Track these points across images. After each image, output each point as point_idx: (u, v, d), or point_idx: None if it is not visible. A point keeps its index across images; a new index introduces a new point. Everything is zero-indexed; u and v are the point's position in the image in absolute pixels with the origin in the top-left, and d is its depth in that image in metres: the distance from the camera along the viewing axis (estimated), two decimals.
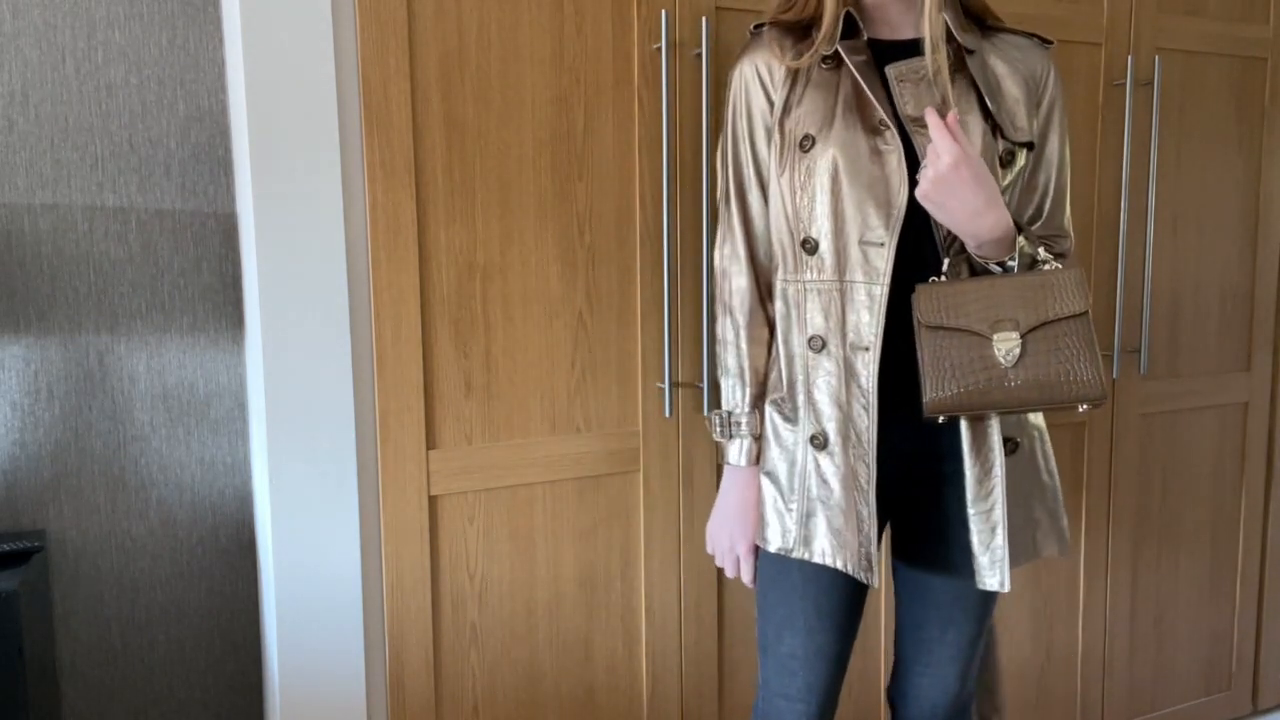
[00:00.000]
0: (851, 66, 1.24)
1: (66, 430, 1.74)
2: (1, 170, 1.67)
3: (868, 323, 1.23)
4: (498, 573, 1.59)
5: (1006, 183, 1.26)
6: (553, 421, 1.59)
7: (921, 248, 1.26)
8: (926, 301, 1.20)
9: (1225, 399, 2.19)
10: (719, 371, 1.40)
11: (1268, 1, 2.13)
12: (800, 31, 1.31)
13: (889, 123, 1.22)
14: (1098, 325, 2.01)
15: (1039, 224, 1.33)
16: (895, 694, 1.46)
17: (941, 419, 1.22)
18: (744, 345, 1.36)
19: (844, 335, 1.26)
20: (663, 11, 1.57)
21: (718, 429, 1.39)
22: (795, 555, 1.31)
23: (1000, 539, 1.24)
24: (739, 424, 1.36)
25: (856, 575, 1.27)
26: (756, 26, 1.36)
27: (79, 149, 1.71)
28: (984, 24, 1.33)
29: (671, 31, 1.58)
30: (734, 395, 1.38)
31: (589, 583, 1.65)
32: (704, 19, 1.58)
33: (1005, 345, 1.16)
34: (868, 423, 1.24)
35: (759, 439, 1.36)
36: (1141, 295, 2.04)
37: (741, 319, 1.36)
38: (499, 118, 1.51)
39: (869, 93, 1.23)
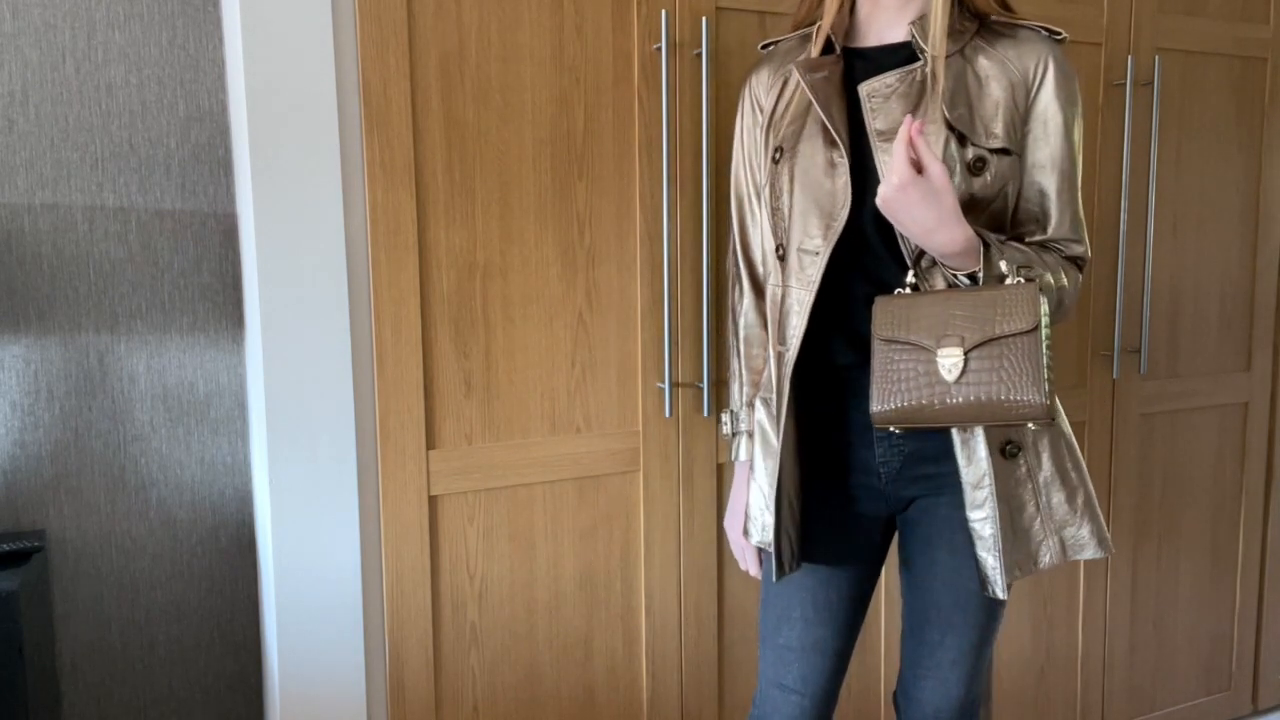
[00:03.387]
0: (805, 86, 1.26)
1: (66, 430, 1.74)
2: (1, 170, 1.67)
3: (794, 325, 1.28)
4: (498, 573, 1.59)
5: (989, 191, 1.24)
6: (553, 421, 1.59)
7: (877, 261, 1.26)
8: (882, 314, 1.20)
9: (1225, 399, 2.19)
10: (727, 372, 1.44)
11: (1268, 1, 2.13)
12: (801, 45, 1.36)
13: (838, 140, 1.23)
14: (1098, 325, 2.01)
15: (1049, 229, 1.29)
16: (900, 696, 1.46)
17: (894, 429, 1.22)
18: (742, 348, 1.43)
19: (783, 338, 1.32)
20: (663, 11, 1.57)
21: (727, 426, 1.46)
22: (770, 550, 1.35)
23: (992, 547, 1.24)
24: (740, 421, 1.43)
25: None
26: (764, 45, 1.43)
27: (79, 149, 1.71)
28: (985, 19, 1.29)
29: (671, 31, 1.58)
30: (736, 395, 1.44)
31: (589, 583, 1.65)
32: (704, 19, 1.58)
33: (948, 361, 1.15)
34: (776, 422, 1.31)
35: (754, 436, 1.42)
36: (1141, 295, 2.04)
37: (740, 323, 1.43)
38: (499, 118, 1.51)
39: (820, 111, 1.24)
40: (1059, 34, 1.29)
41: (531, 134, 1.53)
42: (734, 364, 1.44)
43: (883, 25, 1.30)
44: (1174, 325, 2.11)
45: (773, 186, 1.32)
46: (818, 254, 1.25)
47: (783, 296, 1.31)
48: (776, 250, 1.32)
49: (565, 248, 1.57)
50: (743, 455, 1.42)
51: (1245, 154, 2.15)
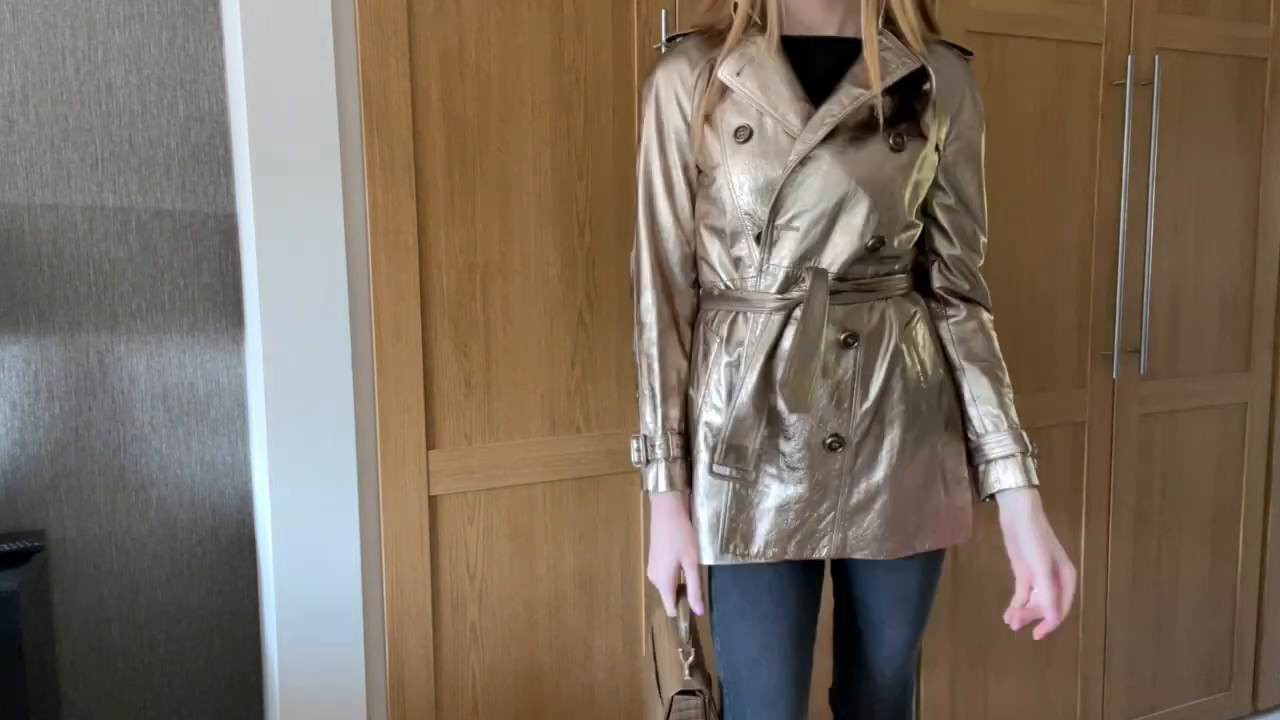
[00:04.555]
0: (772, 60, 1.23)
1: (66, 430, 1.74)
2: (1, 170, 1.67)
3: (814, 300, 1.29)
4: (498, 573, 1.59)
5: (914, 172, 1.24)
6: (553, 421, 1.59)
7: None
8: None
9: (1225, 399, 2.19)
10: (636, 392, 1.40)
11: (1268, 1, 2.13)
12: (704, 43, 1.28)
13: (805, 100, 1.21)
14: (1098, 325, 2.01)
15: (954, 254, 1.31)
16: (834, 697, 1.46)
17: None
18: (658, 366, 1.35)
19: None
20: (663, 11, 1.57)
21: (639, 455, 1.35)
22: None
23: None
24: (656, 448, 1.34)
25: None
26: (671, 38, 1.34)
27: (79, 149, 1.71)
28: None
29: (671, 31, 1.58)
30: (650, 419, 1.35)
31: (589, 583, 1.65)
32: None
33: None
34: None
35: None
36: (1141, 295, 2.04)
37: (653, 337, 1.35)
38: (499, 118, 1.51)
39: (790, 78, 1.22)
40: (969, 53, 1.32)
41: (531, 134, 1.53)
42: (648, 383, 1.30)
43: (815, 22, 1.25)
44: (1174, 325, 2.11)
45: (734, 169, 1.23)
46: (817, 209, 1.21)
47: (784, 278, 1.23)
48: (757, 239, 1.23)
49: (565, 248, 1.57)
50: (677, 485, 1.28)
51: (1245, 154, 2.15)
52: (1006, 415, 1.28)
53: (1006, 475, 1.26)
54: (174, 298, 1.79)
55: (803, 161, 1.19)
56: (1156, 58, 1.97)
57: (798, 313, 1.22)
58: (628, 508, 1.66)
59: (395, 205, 1.45)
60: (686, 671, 1.29)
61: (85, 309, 1.74)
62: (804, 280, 1.22)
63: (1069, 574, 1.22)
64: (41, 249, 1.70)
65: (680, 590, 1.32)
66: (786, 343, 1.22)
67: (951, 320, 1.33)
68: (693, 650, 1.32)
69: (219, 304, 1.81)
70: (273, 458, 1.42)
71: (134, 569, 1.80)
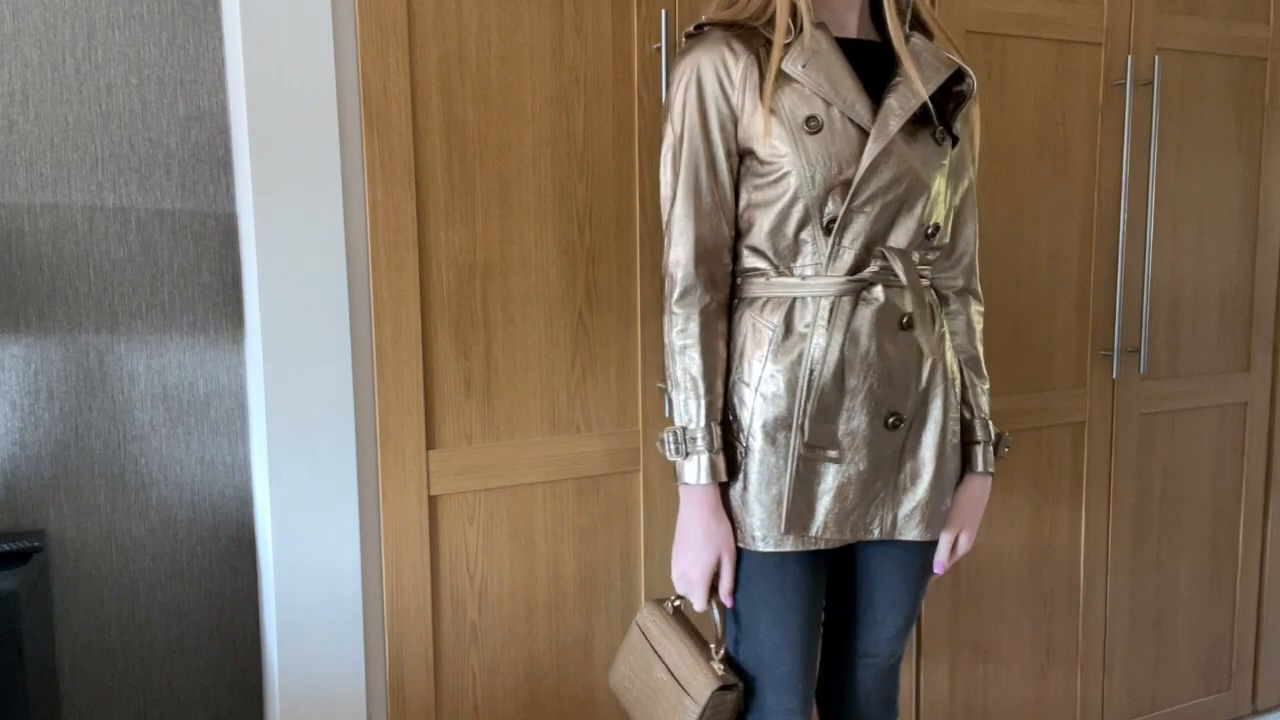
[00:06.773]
0: (835, 56, 1.30)
1: (66, 430, 1.74)
2: (1, 170, 1.67)
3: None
4: (498, 573, 1.59)
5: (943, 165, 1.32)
6: (553, 421, 1.59)
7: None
8: None
9: (1225, 399, 2.19)
10: (675, 388, 1.44)
11: (1268, 1, 2.13)
12: (731, 33, 1.29)
13: (868, 99, 1.29)
14: (1098, 325, 2.01)
15: (953, 257, 1.41)
16: (822, 690, 1.46)
17: None
18: (713, 359, 1.43)
19: None
20: (663, 11, 1.57)
21: (675, 448, 1.37)
22: None
23: None
24: (698, 442, 1.42)
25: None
26: (697, 27, 1.33)
27: (79, 149, 1.71)
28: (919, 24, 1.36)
29: (671, 31, 1.58)
30: (694, 412, 1.38)
31: (589, 583, 1.65)
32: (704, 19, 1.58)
33: None
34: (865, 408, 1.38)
35: None
36: (1141, 295, 2.04)
37: (697, 335, 1.40)
38: (499, 118, 1.51)
39: (855, 76, 1.29)
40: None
41: (531, 134, 1.53)
42: (686, 372, 1.30)
43: (839, 23, 1.32)
44: (1174, 325, 2.11)
45: (807, 158, 1.24)
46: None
47: (853, 262, 1.26)
48: (826, 226, 1.25)
49: (565, 248, 1.57)
50: (721, 477, 1.29)
51: (1245, 154, 2.15)
52: (979, 408, 1.41)
53: (969, 460, 1.40)
54: (174, 298, 1.79)
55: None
56: (1156, 58, 1.97)
57: (866, 294, 1.27)
58: (628, 508, 1.66)
59: (395, 205, 1.45)
60: (720, 666, 1.32)
61: (85, 309, 1.74)
62: (871, 264, 1.27)
63: (963, 544, 1.39)
64: (41, 249, 1.70)
65: (712, 586, 1.34)
66: (859, 322, 1.26)
67: (946, 313, 1.41)
68: (724, 646, 1.35)
69: (219, 304, 1.81)
70: (273, 458, 1.42)
71: (134, 569, 1.80)
